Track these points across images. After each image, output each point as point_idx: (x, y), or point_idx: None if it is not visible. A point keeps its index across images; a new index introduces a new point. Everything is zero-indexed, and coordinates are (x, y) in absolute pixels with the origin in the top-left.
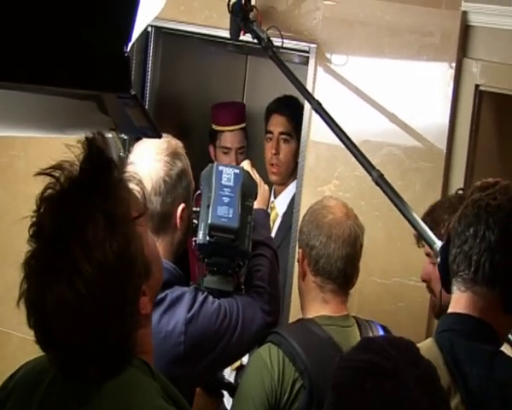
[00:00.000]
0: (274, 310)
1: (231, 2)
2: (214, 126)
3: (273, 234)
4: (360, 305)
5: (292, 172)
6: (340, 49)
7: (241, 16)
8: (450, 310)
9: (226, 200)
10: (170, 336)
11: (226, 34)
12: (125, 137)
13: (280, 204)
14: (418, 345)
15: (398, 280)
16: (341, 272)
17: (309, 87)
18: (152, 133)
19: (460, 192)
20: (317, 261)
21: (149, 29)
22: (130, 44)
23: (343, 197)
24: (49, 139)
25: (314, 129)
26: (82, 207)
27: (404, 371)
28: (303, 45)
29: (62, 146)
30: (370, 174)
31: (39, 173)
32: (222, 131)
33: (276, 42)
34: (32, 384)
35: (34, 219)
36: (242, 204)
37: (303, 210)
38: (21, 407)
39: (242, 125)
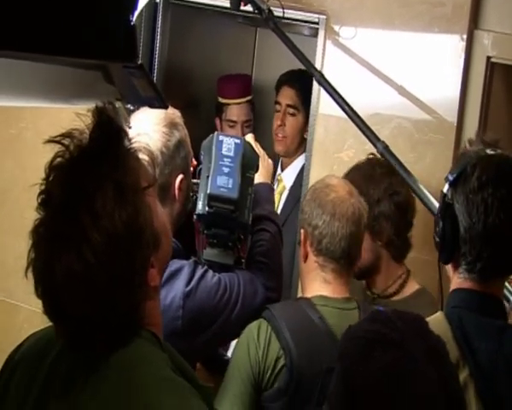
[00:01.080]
0: (276, 286)
1: None
2: (220, 99)
3: (280, 207)
4: None
5: (298, 146)
6: (350, 21)
7: None
8: (458, 286)
9: (226, 170)
10: (168, 310)
11: None
12: (132, 108)
13: (287, 177)
14: (427, 319)
15: (411, 255)
16: (345, 252)
17: (318, 59)
18: (158, 104)
19: (370, 156)
20: (320, 241)
21: (158, 0)
22: (136, 13)
23: None
24: (57, 110)
25: (323, 102)
26: (91, 175)
27: (411, 343)
28: (312, 16)
29: (71, 117)
30: (375, 146)
31: (49, 141)
32: (228, 104)
33: (286, 13)
34: (39, 355)
35: (43, 187)
36: (243, 175)
37: (312, 183)
38: (29, 377)
39: (248, 97)
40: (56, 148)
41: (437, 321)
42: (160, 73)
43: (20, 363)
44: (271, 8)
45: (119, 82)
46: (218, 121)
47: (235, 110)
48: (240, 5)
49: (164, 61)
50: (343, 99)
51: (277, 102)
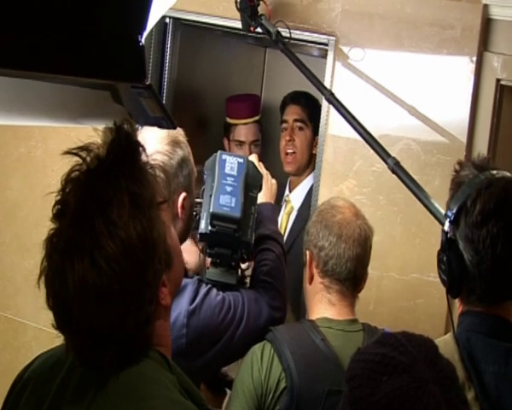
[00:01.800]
0: (281, 306)
1: (238, 0)
2: (228, 119)
3: (288, 228)
4: (378, 301)
5: (307, 163)
6: (359, 42)
7: (248, 12)
8: (467, 308)
9: (229, 189)
10: (172, 328)
11: None
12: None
13: (296, 198)
14: (436, 340)
15: (416, 276)
16: (351, 274)
17: (327, 80)
18: (167, 124)
19: None
20: (327, 262)
21: (167, 20)
22: (145, 34)
23: (361, 192)
24: (66, 129)
25: (332, 123)
26: (108, 186)
27: (420, 367)
28: (322, 38)
29: (80, 135)
30: (386, 162)
31: (66, 153)
32: (235, 125)
33: (296, 34)
34: (49, 374)
35: (58, 198)
36: (246, 194)
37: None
38: (39, 395)
39: (256, 117)
40: (71, 162)
41: (445, 343)
42: (169, 93)
43: (29, 381)
44: (280, 29)
45: (127, 102)
46: (226, 141)
47: (243, 130)
48: (250, 29)
49: (173, 81)
50: (353, 117)
51: (284, 121)
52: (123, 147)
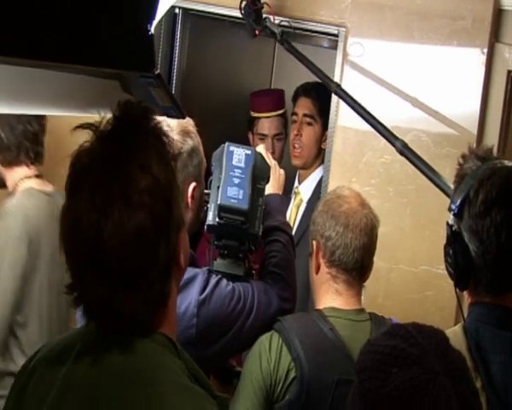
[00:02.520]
0: (290, 297)
1: (242, 6)
2: (252, 113)
3: (298, 220)
4: (387, 293)
5: (315, 157)
6: (370, 34)
7: (253, 17)
8: (475, 300)
9: (236, 181)
10: (182, 318)
11: None
12: None
13: (305, 190)
14: (446, 331)
15: (425, 268)
16: (358, 263)
17: (337, 71)
18: (176, 113)
19: None
20: (333, 252)
21: (177, 11)
22: (154, 23)
23: (370, 183)
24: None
25: (342, 114)
26: (136, 135)
27: (430, 359)
28: (332, 29)
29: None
30: (394, 145)
31: (77, 127)
32: (259, 118)
33: (306, 25)
34: (55, 361)
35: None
36: (253, 186)
37: None
38: (46, 382)
39: (279, 111)
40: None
41: (454, 333)
42: (178, 84)
43: (35, 370)
44: (289, 20)
45: (136, 91)
46: (250, 135)
47: (266, 123)
48: (255, 34)
49: (183, 72)
50: (360, 105)
51: (294, 113)
52: (133, 111)
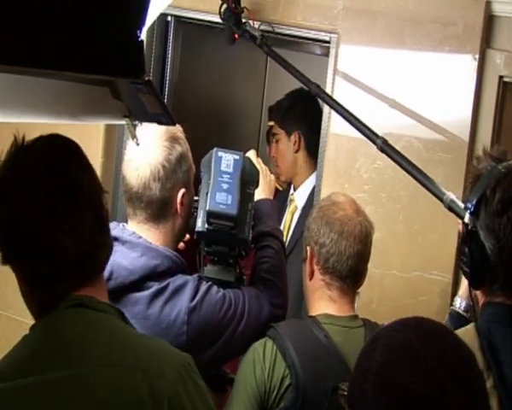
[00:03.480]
0: (282, 303)
1: (222, 10)
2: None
3: (292, 226)
4: (380, 299)
5: (292, 165)
6: (362, 40)
7: (233, 20)
8: (489, 299)
9: (225, 186)
10: (172, 325)
11: None
12: (138, 124)
13: (299, 197)
14: (458, 331)
15: (418, 274)
16: (352, 271)
17: (329, 77)
18: (166, 120)
19: None
20: (327, 259)
21: (169, 19)
22: (143, 29)
23: (363, 189)
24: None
25: (334, 121)
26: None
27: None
28: (324, 35)
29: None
30: (375, 143)
31: None
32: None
33: (298, 32)
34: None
35: None
36: (242, 191)
37: None
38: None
39: None
40: None
41: (466, 331)
42: (170, 92)
43: None
44: (271, 25)
45: (126, 98)
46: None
47: None
48: (234, 40)
49: (175, 80)
50: (339, 104)
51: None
52: None
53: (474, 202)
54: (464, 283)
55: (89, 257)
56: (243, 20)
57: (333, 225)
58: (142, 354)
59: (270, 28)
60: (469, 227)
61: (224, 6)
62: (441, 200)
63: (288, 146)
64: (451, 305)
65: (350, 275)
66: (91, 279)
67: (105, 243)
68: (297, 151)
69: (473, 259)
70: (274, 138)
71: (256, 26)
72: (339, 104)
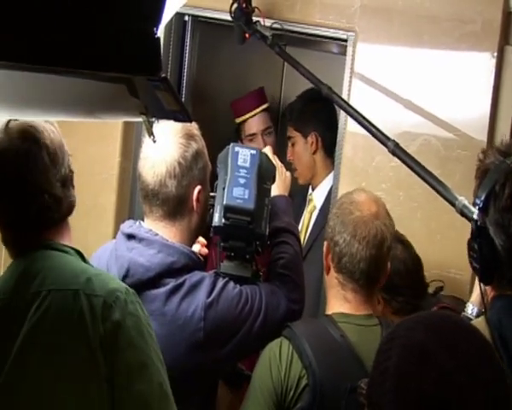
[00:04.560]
0: (299, 298)
1: (233, 9)
2: (237, 120)
3: (311, 226)
4: None
5: (311, 166)
6: (379, 38)
7: (243, 20)
8: (499, 292)
9: (242, 181)
10: (189, 321)
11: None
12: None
13: (318, 196)
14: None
15: (437, 272)
16: (364, 274)
17: (346, 77)
18: (183, 117)
19: None
20: (340, 259)
21: (186, 18)
22: (160, 26)
23: (381, 188)
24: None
25: (350, 120)
26: None
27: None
28: (341, 34)
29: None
30: (386, 145)
31: None
32: (245, 121)
33: (315, 30)
34: None
35: None
36: (259, 186)
37: None
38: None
39: (263, 106)
40: None
41: (477, 324)
42: (188, 91)
43: None
44: (281, 23)
45: (143, 95)
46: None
47: (252, 122)
48: (244, 40)
49: (192, 79)
50: (350, 106)
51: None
52: None
53: (482, 198)
54: (476, 289)
55: (52, 208)
56: (254, 20)
57: (347, 226)
58: (87, 281)
59: (283, 27)
60: (478, 223)
61: (235, 5)
62: (453, 205)
63: (305, 148)
64: (463, 310)
65: (362, 277)
66: (56, 225)
67: (66, 197)
68: (315, 152)
69: (482, 255)
70: (289, 142)
71: (268, 25)
72: (350, 105)
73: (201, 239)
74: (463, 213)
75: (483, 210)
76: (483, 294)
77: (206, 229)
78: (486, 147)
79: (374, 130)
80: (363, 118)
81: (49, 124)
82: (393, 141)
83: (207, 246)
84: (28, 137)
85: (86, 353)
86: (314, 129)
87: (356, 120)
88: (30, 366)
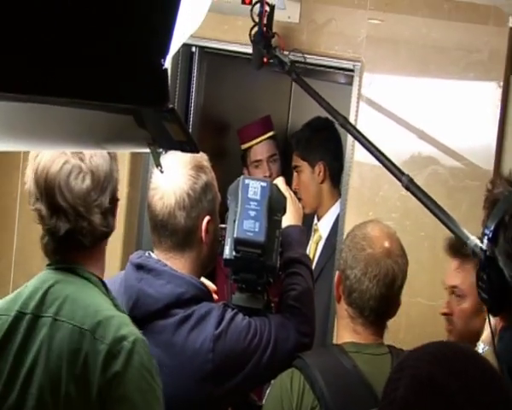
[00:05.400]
0: (309, 331)
1: (253, 32)
2: (243, 146)
3: (317, 256)
4: (407, 327)
5: (317, 196)
6: (385, 68)
7: (263, 44)
8: (508, 324)
9: (252, 213)
10: (198, 353)
11: None
12: (162, 152)
13: (323, 226)
14: None
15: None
16: (373, 311)
17: (353, 106)
18: (190, 148)
19: None
20: (350, 293)
21: (193, 49)
22: (167, 57)
23: (388, 217)
24: None
25: (358, 149)
26: None
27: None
28: (347, 64)
29: None
30: (400, 180)
31: None
32: (250, 147)
33: (322, 60)
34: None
35: None
36: (270, 218)
37: (347, 230)
38: None
39: (269, 134)
40: None
41: (485, 356)
42: (195, 122)
43: None
44: (303, 55)
45: (150, 126)
46: (245, 171)
47: (258, 149)
48: (262, 64)
49: (200, 110)
50: (366, 139)
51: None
52: None
53: (492, 228)
54: (487, 328)
55: (83, 233)
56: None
57: (358, 262)
58: (98, 324)
59: (298, 57)
60: (487, 254)
61: (256, 29)
62: (465, 243)
63: (311, 178)
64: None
65: (372, 314)
66: (86, 250)
67: (102, 225)
68: (322, 181)
69: (491, 285)
70: (295, 171)
71: (285, 53)
72: (366, 138)
73: (211, 285)
74: (475, 252)
75: (492, 240)
76: (491, 326)
77: (215, 260)
78: (493, 176)
79: (388, 163)
80: (378, 151)
81: (101, 150)
82: (407, 176)
83: (217, 276)
84: (71, 161)
85: (85, 397)
86: (321, 158)
87: (371, 152)
88: (35, 389)
